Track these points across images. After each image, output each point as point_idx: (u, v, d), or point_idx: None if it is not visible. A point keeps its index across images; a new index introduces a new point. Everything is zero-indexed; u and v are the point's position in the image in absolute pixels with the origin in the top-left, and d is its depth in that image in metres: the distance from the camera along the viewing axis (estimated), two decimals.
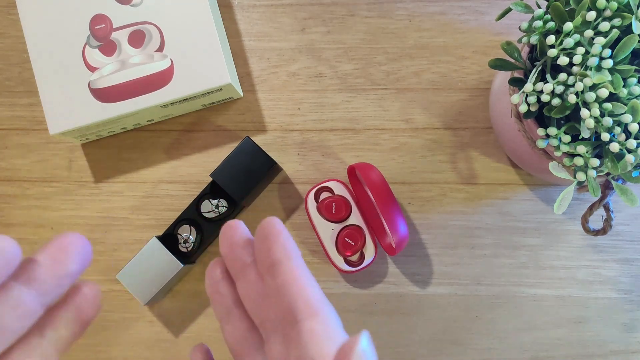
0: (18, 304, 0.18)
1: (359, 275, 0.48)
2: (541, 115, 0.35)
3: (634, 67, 0.32)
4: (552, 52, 0.33)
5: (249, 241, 0.26)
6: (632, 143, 0.31)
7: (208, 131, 0.51)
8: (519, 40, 0.37)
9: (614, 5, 0.31)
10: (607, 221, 0.36)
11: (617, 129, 0.32)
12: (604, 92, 0.31)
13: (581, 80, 0.32)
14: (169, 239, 0.48)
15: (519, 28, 0.36)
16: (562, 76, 0.33)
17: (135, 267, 0.46)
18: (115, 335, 0.49)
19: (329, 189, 0.47)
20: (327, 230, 0.46)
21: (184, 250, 0.48)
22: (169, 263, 0.46)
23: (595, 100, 0.31)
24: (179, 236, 0.48)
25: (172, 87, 0.46)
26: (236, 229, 0.26)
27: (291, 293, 0.23)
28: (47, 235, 0.50)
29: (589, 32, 0.32)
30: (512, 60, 0.37)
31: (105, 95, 0.46)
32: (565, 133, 0.34)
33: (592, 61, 0.31)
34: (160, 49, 0.47)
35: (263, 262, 0.24)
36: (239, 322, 0.25)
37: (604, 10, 0.32)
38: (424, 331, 0.48)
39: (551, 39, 0.33)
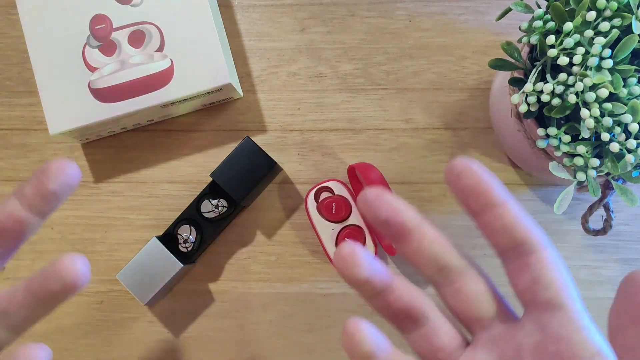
0: (11, 212, 0.25)
1: None
2: (541, 115, 0.35)
3: (634, 67, 0.32)
4: (552, 52, 0.33)
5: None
6: (632, 143, 0.31)
7: (208, 131, 0.51)
8: (519, 40, 0.37)
9: (614, 5, 0.31)
10: (607, 221, 0.36)
11: (617, 129, 0.32)
12: (604, 92, 0.31)
13: (581, 80, 0.32)
14: (169, 239, 0.48)
15: (519, 28, 0.36)
16: (562, 76, 0.33)
17: (135, 267, 0.46)
18: (115, 335, 0.49)
19: (329, 189, 0.47)
20: (327, 230, 0.46)
21: (184, 250, 0.48)
22: (169, 263, 0.46)
23: (595, 100, 0.31)
24: (179, 236, 0.48)
25: (172, 87, 0.46)
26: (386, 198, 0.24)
27: (524, 229, 0.25)
28: (47, 235, 0.50)
29: (589, 32, 0.32)
30: (512, 60, 0.37)
31: (105, 95, 0.46)
32: (565, 133, 0.34)
33: (592, 61, 0.32)
34: (160, 49, 0.47)
35: (482, 202, 0.24)
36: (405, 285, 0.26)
37: (604, 10, 0.32)
38: None
39: (551, 39, 0.33)
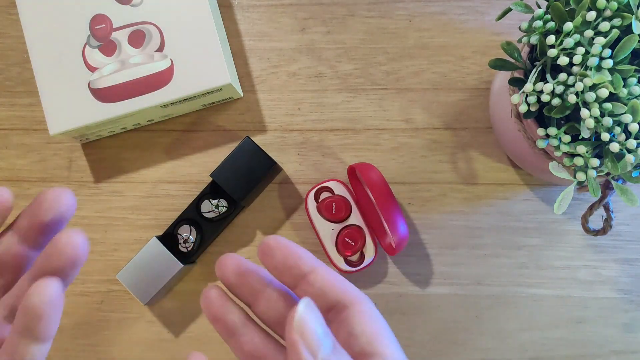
0: (8, 247, 0.25)
1: (359, 275, 0.48)
2: (541, 115, 0.35)
3: (634, 67, 0.32)
4: (552, 52, 0.33)
5: (251, 269, 0.28)
6: (632, 143, 0.31)
7: (208, 131, 0.51)
8: (519, 40, 0.37)
9: (614, 5, 0.31)
10: (607, 221, 0.36)
11: (617, 129, 0.32)
12: (604, 92, 0.31)
13: (581, 80, 0.32)
14: (169, 239, 0.48)
15: (519, 28, 0.36)
16: (562, 76, 0.33)
17: (135, 267, 0.46)
18: (115, 335, 0.49)
19: (329, 189, 0.47)
20: (327, 230, 0.46)
21: (184, 250, 0.48)
22: (169, 263, 0.46)
23: (595, 100, 0.31)
24: (179, 236, 0.48)
25: (172, 87, 0.46)
26: (237, 259, 0.28)
27: (336, 289, 0.26)
28: None
29: (589, 32, 0.32)
30: (512, 60, 0.37)
31: (105, 95, 0.46)
32: (565, 133, 0.34)
33: (592, 61, 0.32)
34: (160, 49, 0.47)
35: (294, 274, 0.26)
36: (256, 332, 0.27)
37: (604, 10, 0.32)
38: (424, 331, 0.48)
39: (551, 39, 0.33)
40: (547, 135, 0.35)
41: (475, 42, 0.50)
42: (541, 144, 0.35)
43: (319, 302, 0.26)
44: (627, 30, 0.32)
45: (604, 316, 0.47)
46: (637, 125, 0.31)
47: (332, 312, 0.26)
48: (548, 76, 0.34)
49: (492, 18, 0.50)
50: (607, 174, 0.34)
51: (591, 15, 0.32)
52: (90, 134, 0.49)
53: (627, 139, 0.32)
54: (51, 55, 0.47)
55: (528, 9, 0.36)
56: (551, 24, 0.34)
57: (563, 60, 0.32)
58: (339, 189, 0.47)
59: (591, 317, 0.47)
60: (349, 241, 0.46)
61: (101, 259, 0.50)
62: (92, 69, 0.47)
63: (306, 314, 0.22)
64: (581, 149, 0.33)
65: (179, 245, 0.48)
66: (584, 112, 0.32)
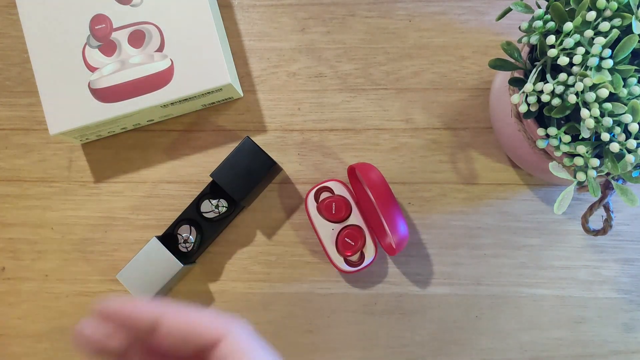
0: None
1: (359, 275, 0.48)
2: (541, 115, 0.35)
3: (634, 67, 0.32)
4: (552, 52, 0.33)
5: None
6: (632, 143, 0.31)
7: (208, 131, 0.51)
8: (519, 40, 0.37)
9: (614, 5, 0.32)
10: (607, 221, 0.36)
11: (617, 129, 0.32)
12: (604, 92, 0.31)
13: (581, 80, 0.32)
14: (169, 239, 0.48)
15: (519, 28, 0.36)
16: (562, 76, 0.33)
17: (135, 267, 0.46)
18: None
19: (329, 189, 0.47)
20: (327, 230, 0.46)
21: (184, 250, 0.48)
22: (169, 263, 0.46)
23: (595, 100, 0.31)
24: (179, 236, 0.48)
25: (172, 87, 0.46)
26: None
27: (195, 332, 0.24)
28: (47, 235, 0.50)
29: (589, 32, 0.32)
30: (512, 60, 0.37)
31: (105, 95, 0.46)
32: (565, 133, 0.34)
33: (592, 61, 0.32)
34: (160, 49, 0.47)
35: (142, 332, 0.24)
36: None
37: (604, 10, 0.32)
38: (424, 331, 0.48)
39: (551, 39, 0.33)
40: (547, 135, 0.35)
41: (475, 42, 0.50)
42: (541, 144, 0.35)
43: (187, 348, 0.24)
44: (627, 30, 0.32)
45: (603, 316, 0.47)
46: (637, 125, 0.31)
47: (207, 352, 0.24)
48: (548, 76, 0.34)
49: (492, 18, 0.50)
50: (607, 174, 0.34)
51: (591, 15, 0.32)
52: (90, 134, 0.49)
53: (627, 139, 0.32)
54: (51, 55, 0.47)
55: (528, 9, 0.36)
56: (551, 24, 0.34)
57: (563, 60, 0.32)
58: (339, 189, 0.47)
59: (591, 317, 0.47)
60: (349, 241, 0.46)
61: (101, 259, 0.50)
62: (92, 69, 0.47)
63: None
64: (581, 149, 0.33)
65: (179, 245, 0.48)
66: (584, 112, 0.32)
